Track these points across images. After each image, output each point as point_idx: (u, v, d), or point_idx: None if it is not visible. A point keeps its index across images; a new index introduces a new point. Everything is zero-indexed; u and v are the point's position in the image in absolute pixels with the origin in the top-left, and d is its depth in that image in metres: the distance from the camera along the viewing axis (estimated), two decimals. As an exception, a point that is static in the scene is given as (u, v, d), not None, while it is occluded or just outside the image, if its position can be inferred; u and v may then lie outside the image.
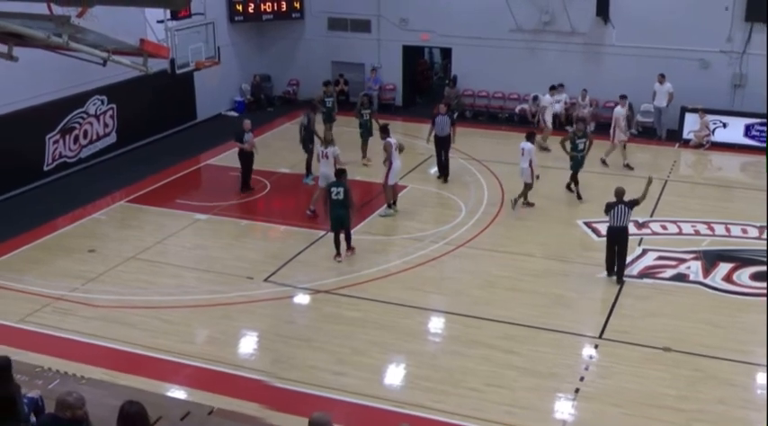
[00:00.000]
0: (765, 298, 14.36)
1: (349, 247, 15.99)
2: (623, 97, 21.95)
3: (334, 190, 15.50)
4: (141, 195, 19.67)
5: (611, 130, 21.50)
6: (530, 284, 15.01)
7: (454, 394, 11.59)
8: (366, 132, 21.57)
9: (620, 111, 21.61)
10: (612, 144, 21.40)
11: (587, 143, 19.05)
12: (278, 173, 20.83)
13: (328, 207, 15.68)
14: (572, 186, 19.33)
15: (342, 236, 15.84)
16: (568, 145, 18.96)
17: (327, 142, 17.94)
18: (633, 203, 14.63)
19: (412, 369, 12.42)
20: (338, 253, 15.82)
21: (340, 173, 15.87)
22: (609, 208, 14.69)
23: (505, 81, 25.99)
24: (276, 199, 19.17)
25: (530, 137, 18.44)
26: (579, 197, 19.03)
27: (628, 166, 21.19)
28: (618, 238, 14.70)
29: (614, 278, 14.89)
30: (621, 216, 14.53)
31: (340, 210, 15.51)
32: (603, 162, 21.39)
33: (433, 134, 20.39)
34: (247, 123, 19.64)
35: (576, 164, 19.10)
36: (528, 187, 18.44)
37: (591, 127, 24.60)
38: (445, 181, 20.30)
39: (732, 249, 16.47)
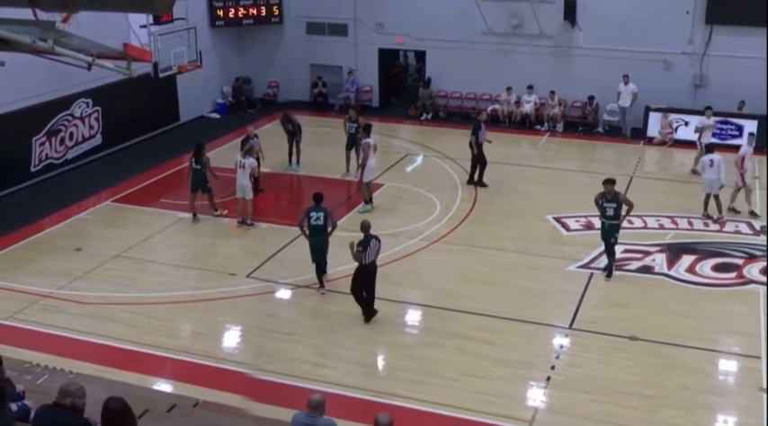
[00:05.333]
0: (729, 288, 14.65)
1: (321, 280, 14.39)
2: (752, 135, 19.70)
3: (313, 215, 13.98)
4: (126, 195, 19.51)
5: (739, 172, 17.81)
6: (502, 277, 15.06)
7: (431, 383, 11.60)
8: (350, 145, 20.31)
9: (747, 150, 17.98)
10: (747, 188, 17.88)
11: (620, 209, 14.81)
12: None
13: (308, 233, 14.14)
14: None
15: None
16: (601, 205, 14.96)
17: (245, 152, 17.36)
18: (380, 241, 13.11)
19: (390, 360, 12.44)
20: (321, 285, 14.41)
21: (319, 197, 14.22)
22: (366, 246, 12.86)
23: (478, 82, 26.03)
24: (257, 197, 19.03)
25: (707, 150, 17.91)
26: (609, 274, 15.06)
27: (752, 213, 17.82)
28: (369, 276, 13.09)
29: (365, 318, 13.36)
30: (374, 251, 12.96)
31: (320, 237, 14.08)
32: (733, 209, 18.01)
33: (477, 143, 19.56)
34: (250, 130, 19.47)
35: (603, 232, 15.01)
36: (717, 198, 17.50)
37: (559, 126, 24.89)
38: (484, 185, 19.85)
39: (695, 242, 16.61)
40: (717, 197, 17.52)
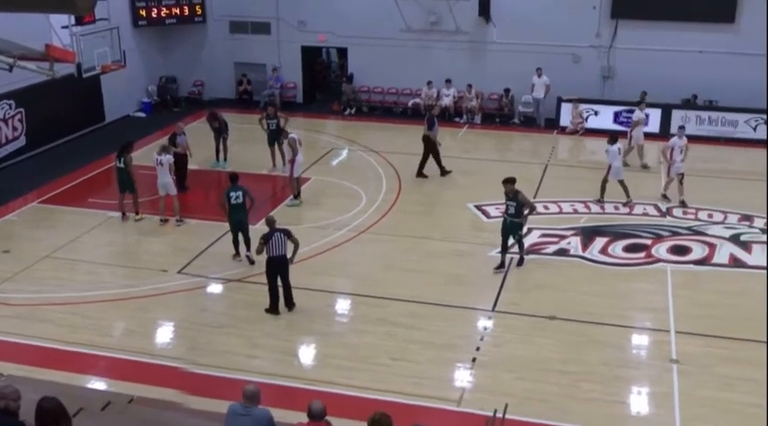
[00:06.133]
0: (639, 267, 15.08)
1: (249, 251, 14.97)
2: (681, 127, 19.01)
3: (233, 195, 14.74)
4: (53, 196, 18.95)
5: (666, 163, 18.47)
6: (428, 264, 15.17)
7: (363, 369, 11.64)
8: (272, 141, 20.31)
9: (676, 142, 18.06)
10: (669, 177, 18.44)
11: (520, 208, 14.64)
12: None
13: (227, 211, 14.86)
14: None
15: (241, 238, 15.05)
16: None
17: (162, 149, 17.16)
18: (289, 232, 13.07)
19: (321, 349, 12.42)
20: (237, 253, 15.15)
21: (235, 178, 15.07)
22: (267, 239, 12.92)
23: (398, 77, 26.14)
24: (185, 194, 18.74)
25: (613, 141, 17.80)
26: (503, 265, 14.99)
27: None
28: (280, 267, 13.09)
29: (287, 308, 13.39)
30: (280, 244, 12.94)
31: (239, 214, 14.82)
32: (665, 196, 18.36)
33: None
34: (180, 126, 19.16)
35: (503, 227, 14.93)
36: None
37: (477, 118, 25.20)
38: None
39: (606, 225, 17.05)
40: (622, 182, 17.99)
